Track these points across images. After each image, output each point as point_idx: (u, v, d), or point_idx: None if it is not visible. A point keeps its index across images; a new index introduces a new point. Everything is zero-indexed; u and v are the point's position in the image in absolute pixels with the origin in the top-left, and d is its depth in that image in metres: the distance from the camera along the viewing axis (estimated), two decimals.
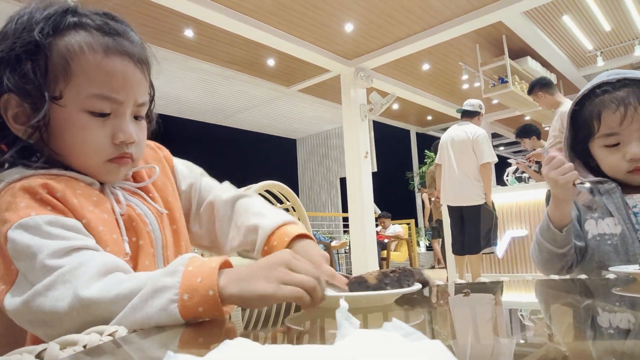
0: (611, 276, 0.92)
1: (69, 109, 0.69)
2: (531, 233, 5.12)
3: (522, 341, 0.50)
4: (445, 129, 4.81)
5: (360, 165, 6.27)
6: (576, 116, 1.14)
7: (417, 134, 10.77)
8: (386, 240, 8.15)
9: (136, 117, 0.77)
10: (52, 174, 0.70)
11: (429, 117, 9.84)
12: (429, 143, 8.46)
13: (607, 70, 1.16)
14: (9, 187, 0.66)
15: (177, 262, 0.59)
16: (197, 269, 0.57)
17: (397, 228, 8.68)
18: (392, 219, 8.96)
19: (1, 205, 0.64)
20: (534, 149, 5.38)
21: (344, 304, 0.36)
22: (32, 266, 0.60)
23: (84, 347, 0.47)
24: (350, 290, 0.65)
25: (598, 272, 1.03)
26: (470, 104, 4.55)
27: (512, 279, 1.04)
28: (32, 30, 0.68)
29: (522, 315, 0.68)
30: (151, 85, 0.81)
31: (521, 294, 0.90)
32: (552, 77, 7.26)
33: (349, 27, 5.45)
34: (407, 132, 10.69)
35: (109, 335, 0.53)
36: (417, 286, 0.68)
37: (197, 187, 0.96)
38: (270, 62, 6.41)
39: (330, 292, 0.64)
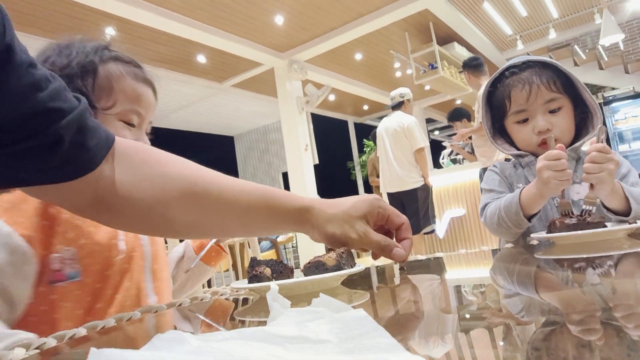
0: (534, 242, 0.97)
1: (111, 117, 0.88)
2: (468, 212, 5.36)
3: (455, 310, 0.52)
4: (381, 117, 4.93)
5: (301, 158, 6.28)
6: (492, 98, 1.25)
7: (355, 124, 10.93)
8: None
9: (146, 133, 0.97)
10: None
11: (365, 107, 10.00)
12: (367, 132, 8.60)
13: (527, 53, 1.25)
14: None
15: None
16: None
17: None
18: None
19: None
20: None
21: (274, 287, 0.36)
22: None
23: None
24: (307, 275, 0.66)
25: (524, 238, 1.09)
26: (392, 96, 4.70)
27: (448, 255, 1.08)
28: (85, 55, 0.88)
29: (459, 287, 0.71)
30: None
31: (458, 268, 0.94)
32: None
33: (279, 19, 5.42)
34: (345, 122, 10.82)
35: (36, 348, 0.50)
36: (361, 267, 0.70)
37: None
38: (201, 58, 6.25)
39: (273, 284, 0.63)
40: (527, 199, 1.04)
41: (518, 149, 1.22)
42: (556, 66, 1.15)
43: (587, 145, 1.14)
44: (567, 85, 1.14)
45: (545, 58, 1.17)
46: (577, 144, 1.15)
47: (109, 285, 0.83)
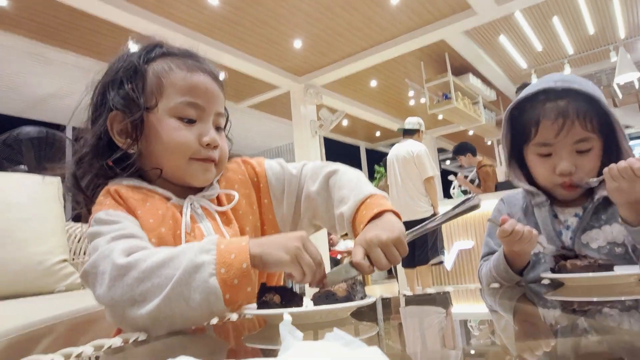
0: (545, 282, 0.97)
1: (162, 116, 0.84)
2: (477, 244, 5.30)
3: (465, 347, 0.52)
4: (393, 144, 4.95)
5: None
6: (516, 117, 1.11)
7: (367, 150, 10.96)
8: (339, 256, 8.17)
9: (217, 128, 0.90)
10: (134, 185, 0.85)
11: (378, 133, 10.04)
12: (378, 158, 8.62)
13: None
14: (106, 189, 0.84)
15: (206, 241, 0.68)
16: (228, 246, 0.67)
17: (349, 243, 8.73)
18: (343, 235, 9.00)
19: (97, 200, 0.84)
20: (471, 165, 5.70)
21: (287, 318, 0.36)
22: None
23: None
24: (316, 304, 0.66)
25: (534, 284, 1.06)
26: (409, 122, 4.73)
27: (456, 289, 1.08)
28: (131, 60, 0.87)
29: (467, 323, 0.70)
30: (225, 109, 0.94)
31: (467, 303, 0.93)
32: (492, 94, 7.64)
33: (297, 44, 5.51)
34: (357, 148, 10.85)
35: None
36: (372, 299, 0.70)
37: (294, 181, 0.99)
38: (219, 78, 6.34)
39: (286, 314, 0.64)
40: (510, 256, 1.01)
41: (528, 179, 1.13)
42: (596, 102, 0.99)
43: None
44: (602, 123, 1.01)
45: (591, 90, 1.00)
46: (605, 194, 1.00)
47: None
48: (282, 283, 1.00)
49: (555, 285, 0.92)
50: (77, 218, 2.08)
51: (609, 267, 0.84)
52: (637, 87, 7.33)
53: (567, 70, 7.13)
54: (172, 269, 0.66)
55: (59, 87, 5.94)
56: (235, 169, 0.97)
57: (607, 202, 1.03)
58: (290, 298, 0.67)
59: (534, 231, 0.95)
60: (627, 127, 7.40)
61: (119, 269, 0.67)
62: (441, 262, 4.56)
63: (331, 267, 0.74)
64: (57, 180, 1.83)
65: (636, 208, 0.92)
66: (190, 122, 0.85)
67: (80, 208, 0.90)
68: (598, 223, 1.04)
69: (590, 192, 1.07)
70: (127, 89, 0.85)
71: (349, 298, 0.65)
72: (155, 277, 0.66)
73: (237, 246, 0.67)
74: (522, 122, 1.09)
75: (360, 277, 0.73)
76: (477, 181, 5.76)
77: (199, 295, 0.64)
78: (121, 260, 0.67)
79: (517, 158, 1.16)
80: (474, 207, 0.81)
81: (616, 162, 1.02)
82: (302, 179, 0.98)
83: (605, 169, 0.90)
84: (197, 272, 0.64)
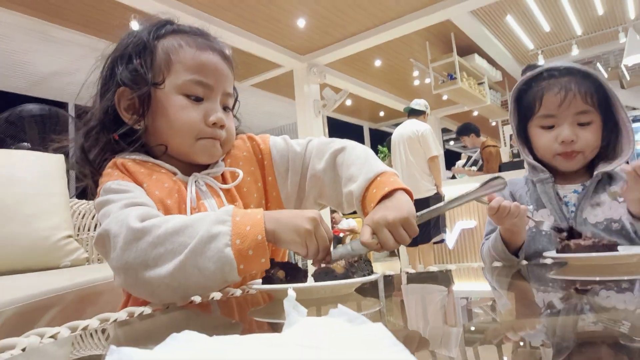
0: (548, 261, 0.97)
1: (169, 93, 0.84)
2: (480, 224, 5.32)
3: (467, 324, 0.52)
4: (397, 125, 4.92)
5: None
6: (522, 97, 1.20)
7: (370, 130, 10.91)
8: (342, 235, 8.22)
9: (225, 108, 0.91)
10: (141, 159, 0.85)
11: (381, 113, 9.98)
12: (381, 138, 8.59)
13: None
14: (113, 161, 0.85)
15: (222, 212, 0.69)
16: (243, 218, 0.68)
17: (352, 222, 8.78)
18: (347, 214, 9.03)
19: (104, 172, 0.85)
20: (474, 146, 5.70)
21: (291, 293, 0.37)
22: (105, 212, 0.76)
23: (23, 350, 0.45)
24: (316, 280, 0.66)
25: (536, 258, 1.08)
26: (417, 103, 4.70)
27: (459, 267, 1.08)
28: (141, 35, 0.87)
29: (469, 300, 0.71)
30: (234, 89, 0.94)
31: (468, 281, 0.94)
32: (498, 74, 7.55)
33: (301, 22, 5.44)
34: (361, 127, 10.80)
35: (51, 337, 0.51)
36: (376, 275, 0.70)
37: (298, 158, 0.96)
38: None
39: (291, 289, 0.65)
40: (505, 235, 1.05)
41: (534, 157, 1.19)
42: (595, 81, 1.10)
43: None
44: (601, 101, 1.11)
45: (590, 70, 1.12)
46: (605, 169, 1.09)
47: None
48: (286, 258, 1.00)
49: (560, 264, 0.92)
50: (81, 195, 2.09)
51: (612, 247, 0.84)
52: None
53: (575, 51, 7.02)
54: (186, 237, 0.66)
55: (61, 65, 5.90)
56: (240, 146, 0.97)
57: (605, 180, 1.10)
58: (295, 274, 0.67)
59: (522, 206, 0.99)
60: (634, 109, 7.30)
61: (134, 233, 0.68)
62: (443, 240, 4.57)
63: (334, 246, 0.75)
64: (61, 156, 1.83)
65: None
66: (198, 100, 0.85)
67: (86, 180, 0.90)
68: (599, 200, 1.08)
69: (590, 168, 1.14)
70: (136, 64, 0.85)
71: (346, 275, 0.65)
72: (169, 243, 0.66)
73: (252, 218, 0.68)
74: (527, 100, 1.17)
75: (365, 255, 0.73)
76: (480, 162, 5.74)
77: (213, 264, 0.65)
78: (136, 225, 0.68)
79: (523, 138, 1.22)
80: (499, 191, 0.81)
81: (616, 140, 1.12)
82: (306, 156, 0.96)
83: (628, 167, 0.91)
84: (212, 242, 0.65)
